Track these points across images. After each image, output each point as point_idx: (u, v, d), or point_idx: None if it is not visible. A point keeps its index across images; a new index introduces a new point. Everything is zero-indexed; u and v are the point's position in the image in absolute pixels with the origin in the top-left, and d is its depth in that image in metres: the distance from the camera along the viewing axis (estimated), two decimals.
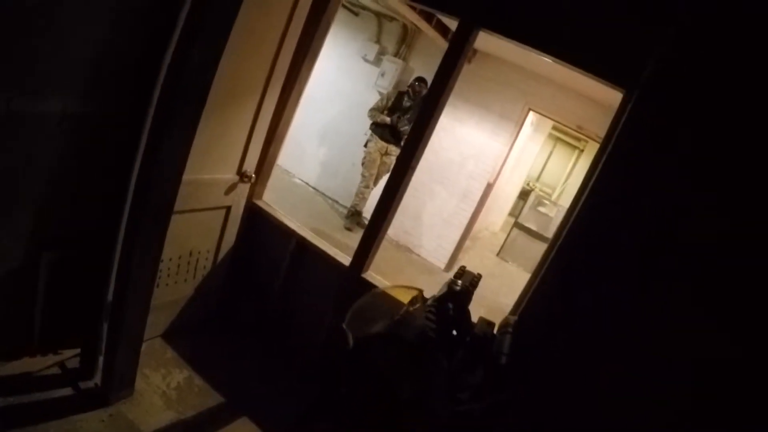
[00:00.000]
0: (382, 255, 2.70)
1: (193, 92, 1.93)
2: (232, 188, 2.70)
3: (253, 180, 2.81)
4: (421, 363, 1.38)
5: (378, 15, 5.97)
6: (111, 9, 1.78)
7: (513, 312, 1.94)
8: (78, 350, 2.38)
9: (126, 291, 2.07)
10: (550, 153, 13.01)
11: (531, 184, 11.31)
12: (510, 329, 1.48)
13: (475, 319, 1.62)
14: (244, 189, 2.81)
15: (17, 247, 1.97)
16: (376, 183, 5.79)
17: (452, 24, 4.08)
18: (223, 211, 2.77)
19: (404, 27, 5.88)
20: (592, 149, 10.02)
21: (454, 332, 1.52)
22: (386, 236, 2.75)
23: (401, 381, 1.36)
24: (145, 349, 2.42)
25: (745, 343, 1.22)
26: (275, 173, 3.14)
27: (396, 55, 6.04)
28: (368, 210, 5.49)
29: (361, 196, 5.81)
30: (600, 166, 1.55)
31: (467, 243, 6.17)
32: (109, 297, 2.16)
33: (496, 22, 2.09)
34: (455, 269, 1.72)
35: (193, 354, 2.74)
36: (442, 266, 5.87)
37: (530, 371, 1.45)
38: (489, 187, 5.76)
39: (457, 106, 5.55)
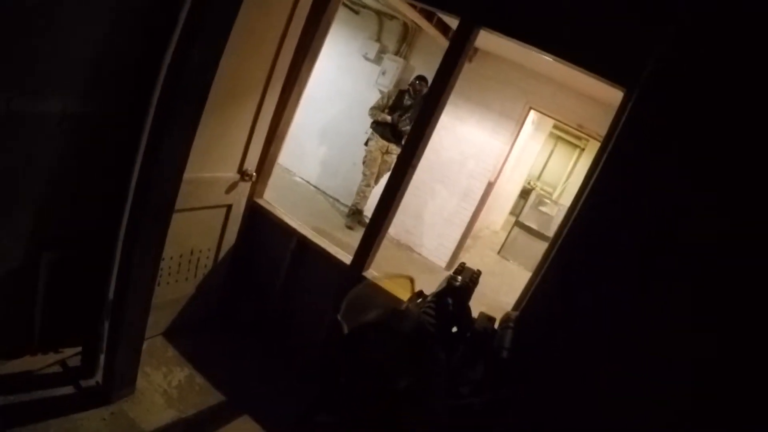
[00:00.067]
0: (383, 254, 2.70)
1: (193, 92, 1.93)
2: (233, 187, 2.70)
3: (254, 178, 2.81)
4: (418, 357, 1.38)
5: (379, 13, 5.96)
6: (111, 9, 1.78)
7: (514, 311, 1.93)
8: (79, 349, 2.38)
9: (127, 290, 2.07)
10: (551, 152, 13.00)
11: (532, 183, 11.30)
12: (511, 324, 1.49)
13: (475, 316, 1.62)
14: (245, 187, 2.81)
15: (17, 247, 1.98)
16: (377, 182, 5.79)
17: (453, 22, 4.09)
18: (224, 210, 2.78)
19: (405, 25, 5.87)
20: (593, 148, 10.01)
21: (455, 328, 1.52)
22: (387, 235, 2.75)
23: (398, 373, 1.36)
24: (146, 347, 2.42)
25: (745, 343, 1.22)
26: (276, 172, 3.14)
27: (397, 53, 6.03)
28: (369, 209, 5.50)
29: (362, 194, 5.81)
30: (600, 165, 1.55)
31: (468, 242, 6.17)
32: (110, 296, 2.17)
33: (496, 20, 2.08)
34: None
35: (194, 352, 2.74)
36: (443, 265, 5.87)
37: (530, 370, 1.45)
38: (490, 186, 5.76)
39: (457, 105, 5.55)
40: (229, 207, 2.78)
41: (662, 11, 1.57)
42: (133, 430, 2.16)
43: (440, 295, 1.54)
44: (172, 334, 2.80)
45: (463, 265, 1.70)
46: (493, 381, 1.35)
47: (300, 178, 6.83)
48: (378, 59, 6.08)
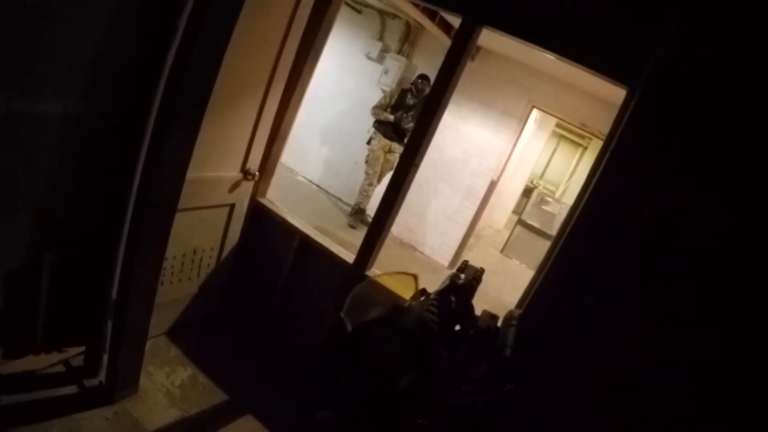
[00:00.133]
0: (385, 253, 2.69)
1: (194, 92, 1.93)
2: (235, 186, 2.71)
3: (256, 178, 2.80)
4: (420, 354, 1.37)
5: (381, 12, 5.94)
6: (111, 9, 1.78)
7: (517, 309, 1.93)
8: (82, 348, 2.39)
9: (129, 290, 2.08)
10: (554, 150, 12.98)
11: (534, 182, 11.29)
12: (514, 322, 1.48)
13: (478, 314, 1.61)
14: (247, 187, 2.81)
15: (18, 247, 1.98)
16: (379, 181, 5.79)
17: (455, 21, 4.07)
18: (227, 209, 2.78)
19: (407, 24, 5.86)
20: (595, 147, 9.99)
21: (458, 326, 1.51)
22: (390, 234, 2.74)
23: (399, 372, 1.36)
24: (149, 347, 2.42)
25: (745, 343, 1.21)
26: (278, 171, 3.14)
27: (399, 52, 6.02)
28: (372, 208, 5.51)
29: (365, 193, 5.81)
30: (603, 164, 1.54)
31: (471, 240, 6.17)
32: (113, 295, 2.17)
33: (498, 19, 2.07)
34: None
35: (197, 352, 2.75)
36: (446, 264, 5.86)
37: (533, 369, 1.45)
38: (493, 185, 5.74)
39: (460, 104, 5.54)
40: (232, 206, 2.79)
41: (663, 11, 1.56)
42: (136, 430, 2.16)
43: (443, 293, 1.54)
44: (175, 333, 2.80)
45: (466, 263, 1.69)
46: (496, 379, 1.34)
47: (303, 177, 6.84)
48: (380, 58, 6.08)
